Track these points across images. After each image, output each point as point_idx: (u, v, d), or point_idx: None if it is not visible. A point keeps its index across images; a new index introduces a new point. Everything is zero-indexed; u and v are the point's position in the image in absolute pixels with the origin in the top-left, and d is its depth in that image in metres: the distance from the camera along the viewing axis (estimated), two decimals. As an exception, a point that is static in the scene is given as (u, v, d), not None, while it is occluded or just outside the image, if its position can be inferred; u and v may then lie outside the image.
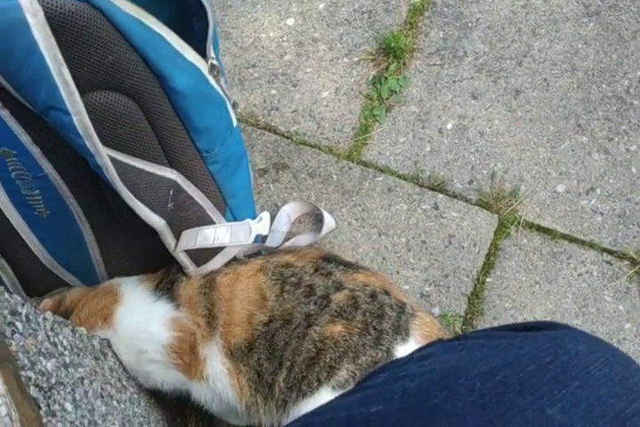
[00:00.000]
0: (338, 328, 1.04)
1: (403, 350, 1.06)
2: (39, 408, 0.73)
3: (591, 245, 1.36)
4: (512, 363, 0.49)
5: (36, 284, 1.11)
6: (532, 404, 0.46)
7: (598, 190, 1.39)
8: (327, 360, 1.02)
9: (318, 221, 1.34)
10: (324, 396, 1.02)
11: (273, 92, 1.47)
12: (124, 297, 1.10)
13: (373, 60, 1.49)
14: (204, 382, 1.09)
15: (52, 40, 0.71)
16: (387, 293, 1.11)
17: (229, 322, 1.07)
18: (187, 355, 1.08)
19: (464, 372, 0.49)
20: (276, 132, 1.44)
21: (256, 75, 1.48)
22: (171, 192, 0.95)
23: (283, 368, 1.04)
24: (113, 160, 0.84)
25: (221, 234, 1.08)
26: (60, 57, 0.72)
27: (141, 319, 1.09)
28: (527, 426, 0.45)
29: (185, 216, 1.02)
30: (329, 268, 1.13)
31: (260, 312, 1.07)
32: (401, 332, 1.07)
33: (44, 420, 0.72)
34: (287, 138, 1.43)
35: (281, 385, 1.04)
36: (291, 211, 1.34)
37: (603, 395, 0.46)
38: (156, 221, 0.96)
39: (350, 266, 1.15)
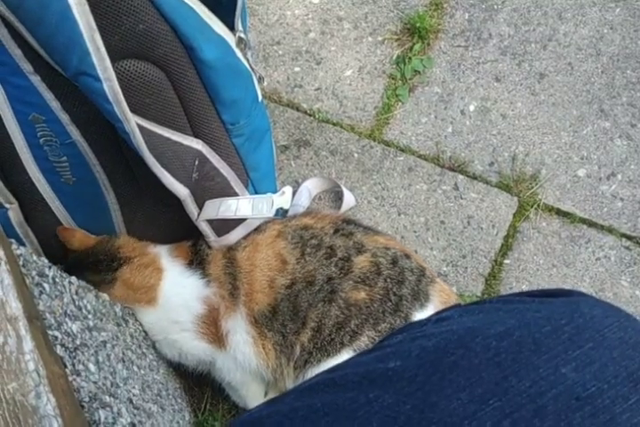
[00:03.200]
0: (361, 295, 1.07)
1: (420, 316, 1.08)
2: (65, 367, 0.75)
3: (610, 231, 1.36)
4: (528, 324, 0.50)
5: (58, 252, 1.13)
6: (547, 362, 0.47)
7: (619, 176, 1.39)
8: (352, 326, 1.05)
9: (338, 198, 1.36)
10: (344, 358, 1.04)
11: (297, 69, 1.47)
12: (166, 272, 1.12)
13: (398, 39, 1.49)
14: (228, 352, 1.12)
15: (86, 6, 0.73)
16: (407, 256, 1.13)
17: (251, 291, 1.09)
18: (213, 326, 1.11)
19: (481, 332, 0.50)
20: (298, 110, 1.44)
21: (280, 52, 1.49)
22: (196, 162, 0.97)
23: (306, 328, 1.06)
24: (140, 128, 0.86)
25: (243, 206, 1.10)
26: (92, 23, 0.74)
27: (181, 294, 1.12)
28: (541, 383, 0.46)
29: (209, 186, 1.03)
30: (349, 229, 1.15)
31: (281, 276, 1.09)
32: (420, 298, 1.09)
33: (70, 378, 0.74)
34: (310, 115, 1.44)
35: (305, 345, 1.06)
36: (312, 186, 1.35)
37: (616, 356, 0.47)
38: (179, 189, 0.97)
39: (370, 228, 1.18)
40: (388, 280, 1.08)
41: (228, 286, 1.11)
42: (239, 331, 1.10)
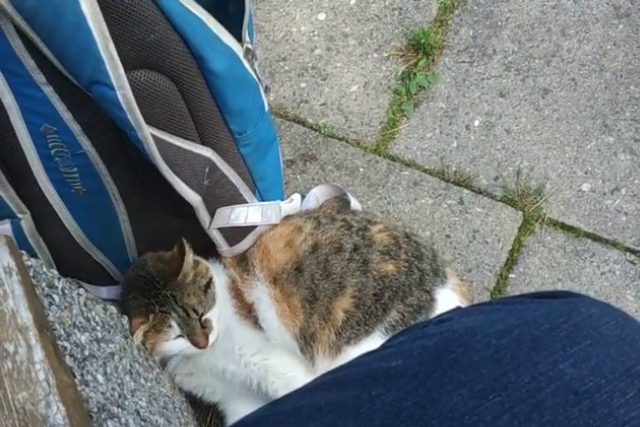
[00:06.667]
0: (390, 267, 1.09)
1: (443, 293, 1.11)
2: (74, 377, 0.75)
3: (614, 245, 1.36)
4: (527, 322, 0.51)
5: (68, 263, 1.14)
6: (545, 359, 0.48)
7: (623, 190, 1.40)
8: (385, 299, 1.08)
9: (345, 206, 1.36)
10: (375, 341, 1.07)
11: (302, 85, 1.49)
12: None
13: (403, 55, 1.51)
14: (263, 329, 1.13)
15: (100, 15, 0.74)
16: (415, 234, 1.18)
17: (265, 256, 1.12)
18: (239, 298, 1.14)
19: (481, 330, 0.51)
20: (304, 125, 1.46)
21: (286, 68, 1.51)
22: (206, 170, 0.98)
23: (346, 295, 1.08)
24: (152, 136, 0.87)
25: (253, 213, 1.11)
26: (106, 32, 0.76)
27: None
28: (540, 379, 0.47)
29: (219, 194, 1.05)
30: (349, 210, 1.22)
31: (298, 236, 1.12)
32: (439, 274, 1.12)
33: (78, 388, 0.75)
34: (315, 130, 1.45)
35: (351, 311, 1.08)
36: (319, 193, 1.35)
37: (613, 353, 0.48)
38: (192, 196, 0.99)
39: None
40: (409, 254, 1.11)
41: (242, 263, 1.14)
42: (261, 297, 1.12)
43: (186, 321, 1.08)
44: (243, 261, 1.15)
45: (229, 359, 1.14)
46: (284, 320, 1.10)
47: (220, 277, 1.15)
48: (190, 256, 1.08)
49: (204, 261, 1.14)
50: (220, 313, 1.12)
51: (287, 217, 1.18)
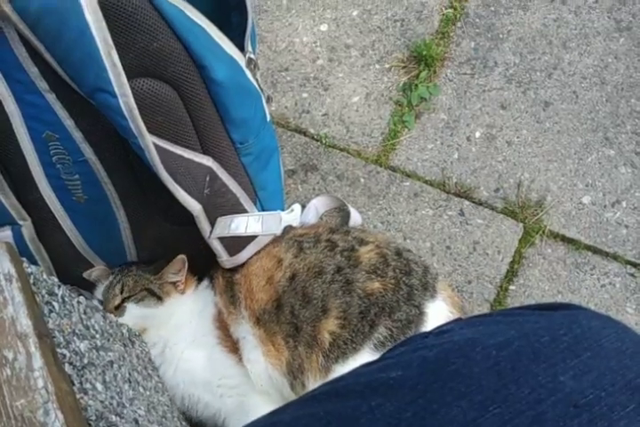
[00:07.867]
0: (376, 285, 1.08)
1: (432, 306, 1.09)
2: (73, 385, 0.75)
3: (615, 257, 1.36)
4: (527, 334, 0.51)
5: (67, 270, 1.14)
6: (546, 371, 0.48)
7: (624, 203, 1.40)
8: (372, 315, 1.06)
9: (345, 216, 1.37)
10: (365, 357, 1.05)
11: (304, 95, 1.50)
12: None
13: (404, 67, 1.51)
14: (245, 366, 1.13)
15: (103, 23, 0.75)
16: (409, 251, 1.16)
17: (249, 293, 1.12)
18: (225, 331, 1.14)
19: (481, 342, 0.51)
20: (305, 135, 1.46)
21: (288, 78, 1.51)
22: (207, 178, 0.98)
23: (330, 317, 1.07)
24: (153, 145, 0.87)
25: (253, 223, 1.11)
26: (109, 39, 0.76)
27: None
28: (540, 390, 0.46)
29: (220, 203, 1.04)
30: (344, 229, 1.19)
31: (278, 271, 1.11)
32: (429, 288, 1.10)
33: (77, 396, 0.74)
34: (317, 140, 1.46)
35: (337, 333, 1.06)
36: (319, 204, 1.36)
37: (613, 365, 0.48)
38: (193, 204, 0.99)
39: (366, 231, 1.22)
40: (397, 271, 1.10)
41: (228, 294, 1.14)
42: (246, 336, 1.11)
43: (108, 290, 1.14)
44: (229, 288, 1.15)
45: (207, 389, 1.13)
46: (270, 360, 1.10)
47: (207, 306, 1.16)
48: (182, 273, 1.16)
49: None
50: (197, 342, 1.15)
51: (274, 242, 1.17)
